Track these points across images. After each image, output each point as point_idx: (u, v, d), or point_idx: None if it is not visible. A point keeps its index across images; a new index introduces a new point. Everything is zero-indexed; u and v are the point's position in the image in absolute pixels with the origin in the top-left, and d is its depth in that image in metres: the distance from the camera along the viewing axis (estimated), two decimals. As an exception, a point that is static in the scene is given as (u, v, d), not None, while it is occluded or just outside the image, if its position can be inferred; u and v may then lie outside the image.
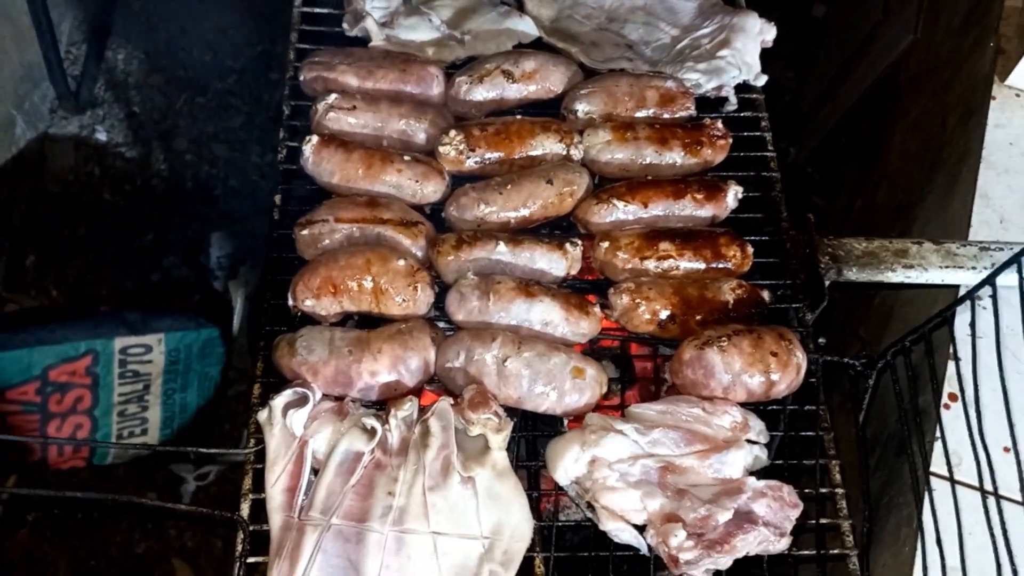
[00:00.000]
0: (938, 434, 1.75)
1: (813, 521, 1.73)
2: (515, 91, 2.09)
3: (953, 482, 1.63)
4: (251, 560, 1.63)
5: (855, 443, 1.88)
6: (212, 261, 3.37)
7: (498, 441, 1.65)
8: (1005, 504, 1.60)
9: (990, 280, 1.63)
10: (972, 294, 1.67)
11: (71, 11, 3.86)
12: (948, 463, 1.68)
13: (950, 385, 1.83)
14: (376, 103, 2.00)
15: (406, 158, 1.93)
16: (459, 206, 1.91)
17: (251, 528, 1.65)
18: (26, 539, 2.91)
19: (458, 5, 2.27)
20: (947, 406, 1.84)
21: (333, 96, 1.98)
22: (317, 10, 2.29)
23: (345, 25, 2.20)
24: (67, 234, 3.40)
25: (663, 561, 1.62)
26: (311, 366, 1.69)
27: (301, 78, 2.08)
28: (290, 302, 1.79)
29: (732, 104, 2.21)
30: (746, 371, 1.73)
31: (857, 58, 3.61)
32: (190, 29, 3.94)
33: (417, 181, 1.92)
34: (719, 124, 2.07)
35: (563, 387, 1.71)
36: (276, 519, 1.61)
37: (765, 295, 1.87)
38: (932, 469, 1.70)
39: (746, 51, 2.22)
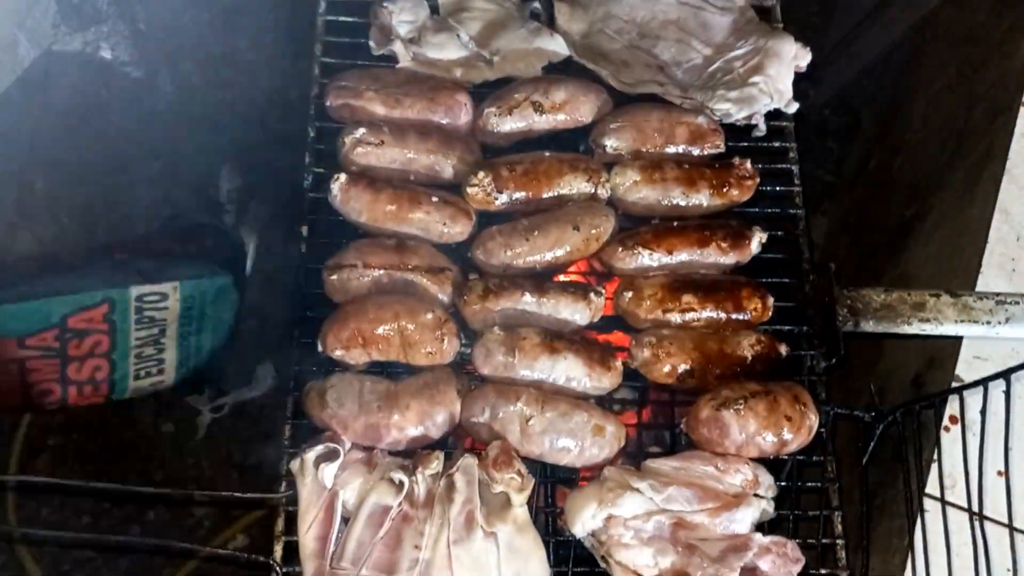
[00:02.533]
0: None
1: (813, 572, 1.83)
2: (544, 121, 2.07)
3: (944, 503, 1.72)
4: (284, 602, 1.73)
5: (858, 482, 1.96)
6: (222, 195, 3.36)
7: (520, 499, 1.73)
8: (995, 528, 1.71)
9: (1006, 375, 1.68)
10: (987, 381, 1.72)
11: None
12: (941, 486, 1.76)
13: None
14: (404, 137, 1.98)
15: (434, 199, 1.93)
16: (486, 251, 1.93)
17: (284, 570, 1.75)
18: (48, 464, 3.05)
19: (487, 18, 2.21)
20: (947, 428, 1.91)
21: (361, 131, 1.96)
22: (342, 18, 2.23)
23: (372, 43, 2.14)
24: (76, 158, 3.38)
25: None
26: (341, 420, 1.75)
27: (327, 103, 2.06)
28: (319, 349, 1.84)
29: (761, 131, 2.18)
30: (760, 433, 1.80)
31: (884, 6, 3.47)
32: None
33: (445, 224, 1.94)
34: (747, 165, 2.06)
35: (584, 444, 1.78)
36: (309, 567, 1.71)
37: (782, 350, 1.91)
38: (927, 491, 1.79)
39: (779, 78, 2.18)
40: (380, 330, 1.80)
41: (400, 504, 1.73)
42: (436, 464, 1.74)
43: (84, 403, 2.99)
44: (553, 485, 1.91)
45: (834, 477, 1.92)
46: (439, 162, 1.99)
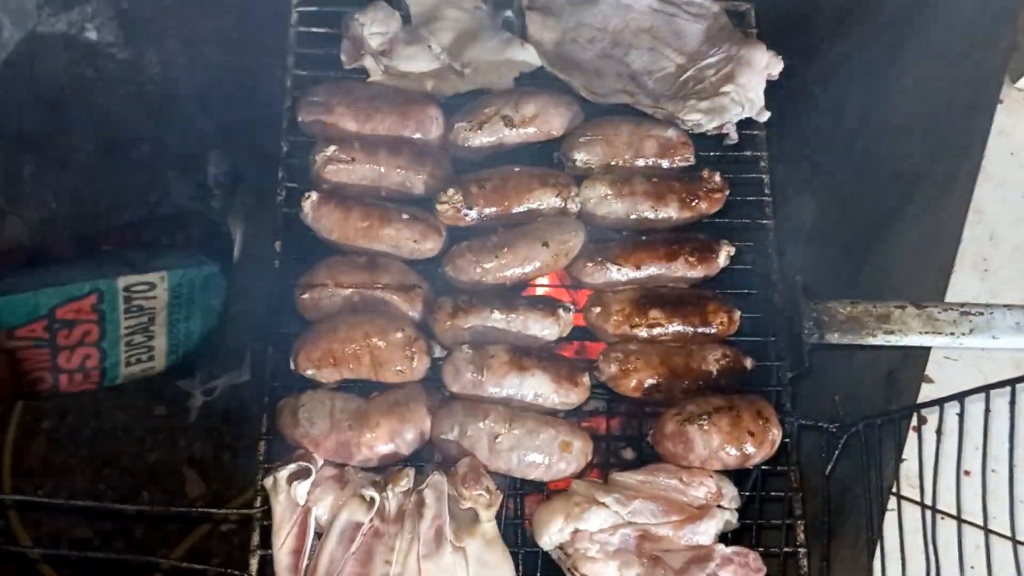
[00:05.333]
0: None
1: (776, 578, 1.89)
2: (515, 135, 2.09)
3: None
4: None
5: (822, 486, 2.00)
6: (210, 179, 3.36)
7: (488, 515, 1.78)
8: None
9: (959, 397, 1.72)
10: (942, 402, 1.77)
11: None
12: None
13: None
14: (375, 153, 2.00)
15: (404, 216, 1.96)
16: (456, 267, 1.96)
17: (260, 583, 1.80)
18: (43, 446, 3.10)
19: (459, 28, 2.21)
20: (915, 428, 1.95)
21: (331, 148, 1.98)
22: (314, 29, 2.23)
23: (344, 57, 2.15)
24: (63, 141, 3.35)
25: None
26: (313, 438, 1.80)
27: (299, 119, 2.07)
28: (291, 366, 1.87)
29: (733, 139, 2.19)
30: (724, 447, 1.84)
31: None
32: None
33: (415, 240, 1.96)
34: (716, 177, 2.08)
35: (551, 459, 1.82)
36: (283, 582, 1.77)
37: (748, 364, 1.95)
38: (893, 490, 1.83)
39: (750, 87, 2.19)
40: (350, 350, 1.83)
41: (371, 520, 1.78)
42: (406, 481, 1.79)
43: (76, 390, 3.04)
44: (522, 497, 1.95)
45: (797, 487, 1.97)
46: (410, 178, 2.01)
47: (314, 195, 1.94)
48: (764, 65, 2.22)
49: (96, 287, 2.77)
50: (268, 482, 1.80)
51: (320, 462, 1.81)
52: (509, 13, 2.29)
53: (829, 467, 1.98)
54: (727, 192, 2.09)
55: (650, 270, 1.99)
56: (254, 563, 1.82)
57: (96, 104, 3.40)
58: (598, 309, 1.96)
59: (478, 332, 1.91)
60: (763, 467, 1.93)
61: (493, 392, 1.85)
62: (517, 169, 2.04)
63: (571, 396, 1.88)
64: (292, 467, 1.79)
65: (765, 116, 2.24)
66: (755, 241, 2.16)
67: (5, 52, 3.37)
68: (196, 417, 3.18)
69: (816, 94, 3.62)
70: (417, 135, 2.06)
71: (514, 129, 2.07)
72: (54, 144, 3.31)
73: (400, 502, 1.79)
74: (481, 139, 2.07)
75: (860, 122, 3.34)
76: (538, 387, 1.85)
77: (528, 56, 2.20)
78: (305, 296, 1.90)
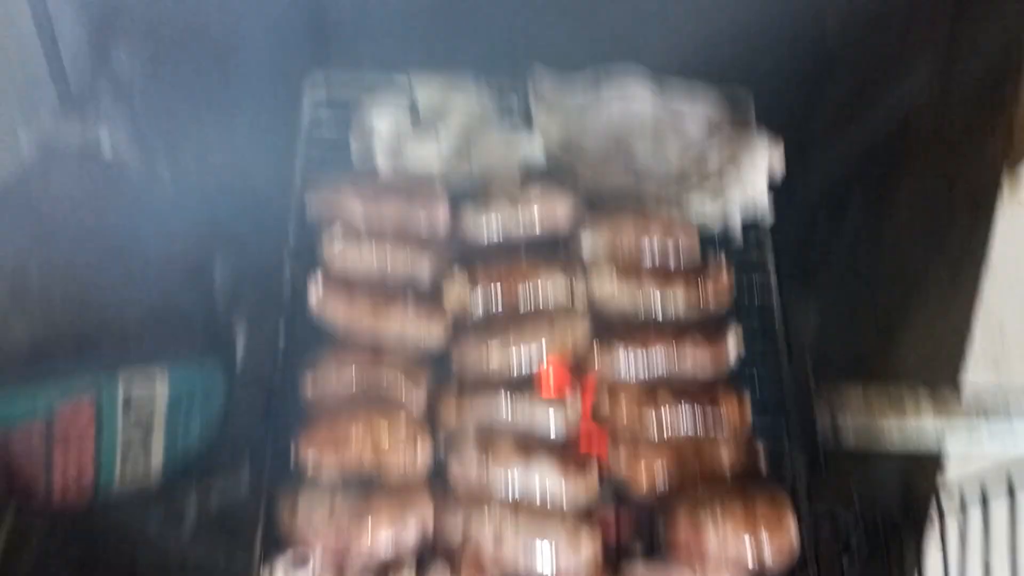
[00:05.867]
0: None
1: None
2: (520, 225, 2.10)
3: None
4: None
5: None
6: (216, 284, 3.36)
7: (493, 612, 1.69)
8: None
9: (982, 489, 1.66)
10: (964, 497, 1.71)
11: (76, 17, 3.73)
12: None
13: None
14: (382, 241, 2.01)
15: (409, 302, 1.94)
16: (460, 353, 1.93)
17: None
18: (32, 559, 2.97)
19: (466, 121, 2.26)
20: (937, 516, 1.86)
21: (339, 234, 1.99)
22: (325, 135, 2.28)
23: (352, 146, 2.19)
24: (72, 249, 3.40)
25: None
26: (312, 530, 1.72)
27: (307, 206, 2.09)
28: (292, 456, 1.82)
29: (738, 240, 2.20)
30: (738, 539, 1.77)
31: (866, 102, 3.53)
32: (197, 27, 3.83)
33: (420, 327, 1.94)
34: (723, 269, 2.08)
35: (558, 553, 1.75)
36: None
37: (762, 462, 1.90)
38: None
39: (753, 183, 2.22)
40: (352, 436, 1.78)
41: (370, 619, 1.69)
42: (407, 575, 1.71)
43: (68, 501, 2.95)
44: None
45: (818, 585, 1.88)
46: (417, 265, 2.01)
47: (320, 279, 1.94)
48: (766, 164, 2.26)
49: (96, 385, 2.73)
50: (263, 575, 1.72)
51: (318, 556, 1.73)
52: (516, 102, 2.34)
53: (844, 561, 1.90)
54: (733, 284, 2.09)
55: (658, 357, 1.96)
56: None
57: (107, 214, 3.46)
58: (606, 399, 1.92)
59: (483, 419, 1.86)
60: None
61: (498, 481, 1.79)
62: (523, 257, 2.04)
63: (580, 485, 1.82)
64: (288, 558, 1.71)
65: (769, 216, 2.25)
66: (764, 341, 2.13)
67: (20, 164, 3.44)
68: (192, 522, 3.09)
69: (816, 201, 3.70)
70: (424, 223, 2.07)
71: (520, 219, 2.08)
72: (63, 252, 3.33)
73: (401, 600, 1.71)
74: (487, 228, 2.08)
75: (861, 226, 3.39)
76: (545, 475, 1.80)
77: (534, 150, 2.24)
78: (308, 382, 1.86)
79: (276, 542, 1.76)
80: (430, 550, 1.78)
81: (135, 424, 2.80)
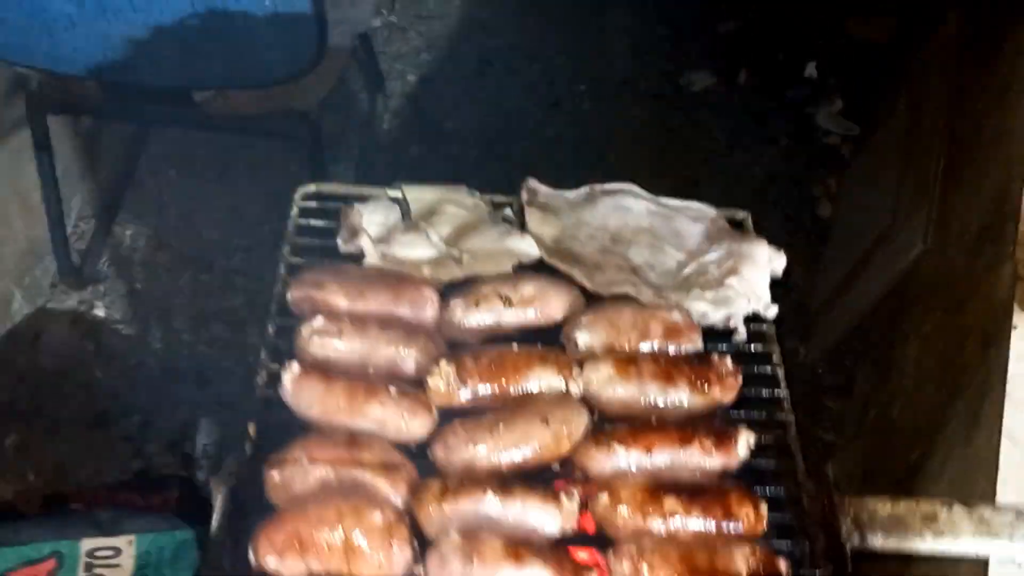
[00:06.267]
0: None
1: None
2: (513, 316, 1.99)
3: None
4: None
5: None
6: (198, 449, 3.21)
7: None
8: None
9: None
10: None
11: (83, 186, 3.89)
12: None
13: None
14: (364, 328, 1.89)
15: (392, 391, 1.79)
16: (447, 447, 1.76)
17: None
18: None
19: (458, 223, 2.21)
20: None
21: (318, 320, 1.87)
22: (313, 222, 2.22)
23: (340, 241, 2.12)
24: (53, 413, 3.29)
25: None
26: (266, 643, 1.48)
27: (288, 296, 1.98)
28: (251, 559, 1.60)
29: (741, 335, 2.09)
30: (762, 660, 1.52)
31: (865, 263, 3.57)
32: (201, 208, 3.95)
33: (402, 417, 1.78)
34: (728, 361, 1.95)
35: (554, 675, 1.50)
36: None
37: (782, 567, 1.68)
38: None
39: (755, 281, 2.14)
40: (321, 534, 1.58)
41: None
42: None
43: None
44: None
45: None
46: (400, 354, 1.88)
47: (295, 366, 1.80)
48: (767, 260, 2.19)
49: (57, 550, 2.55)
50: None
51: (272, 673, 1.48)
52: (508, 212, 2.30)
53: None
54: (740, 379, 1.95)
55: (663, 455, 1.78)
56: None
57: (93, 376, 3.42)
58: (606, 497, 1.72)
59: (469, 520, 1.66)
60: None
61: (485, 588, 1.56)
62: (515, 347, 1.91)
63: (577, 597, 1.59)
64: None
65: (773, 311, 2.16)
66: (775, 438, 1.97)
67: (11, 323, 3.42)
68: None
69: (821, 373, 3.63)
70: (410, 314, 1.96)
71: (512, 309, 1.98)
72: (44, 415, 3.29)
73: None
74: (478, 319, 1.97)
75: (870, 390, 3.30)
76: (538, 582, 1.57)
77: (527, 246, 2.16)
78: (274, 474, 1.68)
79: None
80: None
81: None
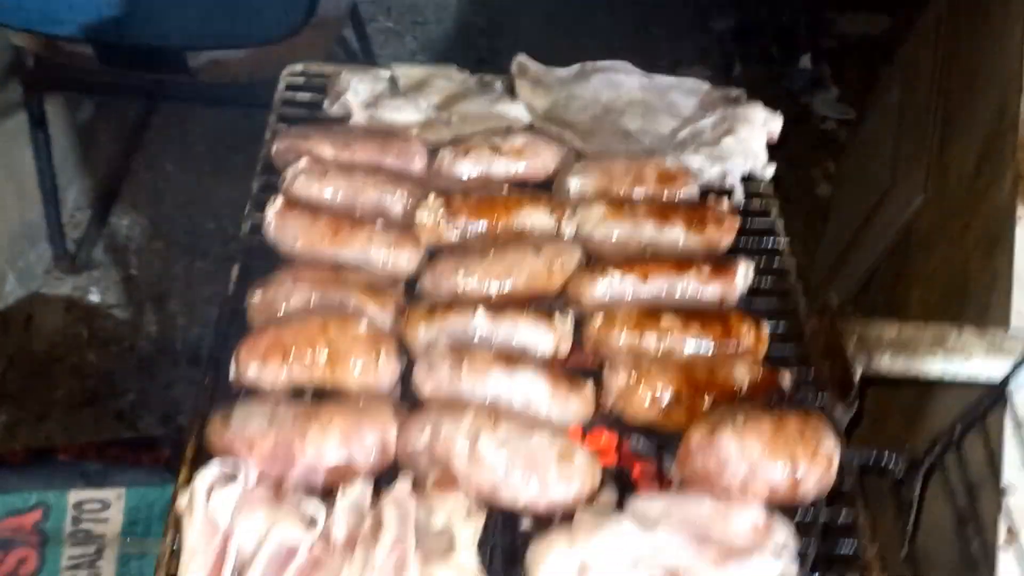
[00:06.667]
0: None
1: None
2: (503, 167, 1.94)
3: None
4: None
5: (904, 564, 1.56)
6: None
7: (467, 536, 1.34)
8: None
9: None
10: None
11: (80, 178, 3.93)
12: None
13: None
14: (351, 171, 1.84)
15: (378, 223, 1.74)
16: (435, 274, 1.70)
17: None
18: None
19: (448, 93, 2.17)
20: None
21: (303, 161, 1.82)
22: (299, 95, 2.19)
23: (326, 104, 2.09)
24: (45, 395, 3.27)
25: None
26: (246, 439, 1.42)
27: (273, 150, 1.94)
28: (231, 373, 1.54)
29: (739, 196, 2.04)
30: (767, 459, 1.44)
31: (866, 228, 3.53)
32: (198, 200, 3.96)
33: (389, 249, 1.72)
34: (725, 203, 1.89)
35: (547, 474, 1.42)
36: (183, 628, 1.29)
37: (786, 380, 1.61)
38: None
39: (751, 139, 2.09)
40: (304, 340, 1.51)
41: (311, 547, 1.34)
42: (360, 489, 1.38)
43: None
44: (512, 547, 1.49)
45: (871, 537, 1.52)
46: (387, 197, 1.83)
47: (279, 200, 1.75)
48: (762, 121, 2.15)
49: (43, 500, 2.47)
50: (182, 500, 1.39)
51: (253, 474, 1.41)
52: (499, 85, 2.26)
53: (910, 523, 1.55)
54: (738, 220, 1.89)
55: (659, 283, 1.72)
56: (149, 619, 1.35)
57: (87, 361, 3.39)
58: (601, 319, 1.66)
59: (458, 337, 1.59)
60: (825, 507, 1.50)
61: (474, 391, 1.49)
62: (506, 188, 1.86)
63: (571, 404, 1.52)
64: (214, 470, 1.39)
65: (770, 171, 2.11)
66: (775, 281, 1.91)
67: (4, 305, 3.41)
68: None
69: None
70: (398, 164, 1.91)
71: (502, 159, 1.93)
72: (35, 397, 3.26)
73: (351, 525, 1.36)
74: (467, 169, 1.92)
75: None
76: (529, 387, 1.50)
77: (518, 111, 2.13)
78: (257, 293, 1.62)
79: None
80: (390, 473, 1.45)
81: (84, 540, 2.51)
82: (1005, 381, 1.58)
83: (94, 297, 3.58)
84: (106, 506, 2.46)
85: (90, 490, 2.45)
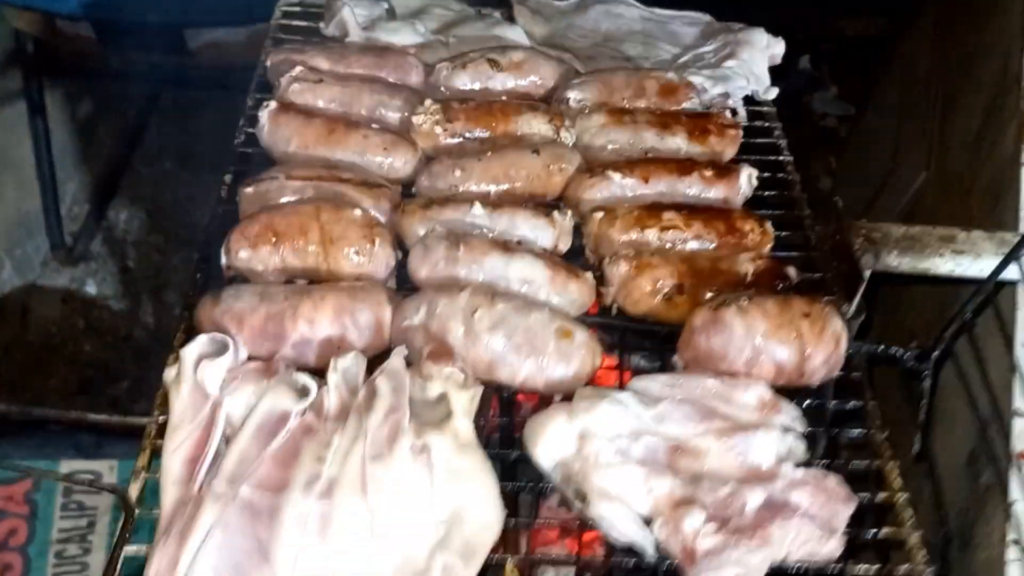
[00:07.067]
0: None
1: (873, 530, 1.32)
2: (501, 81, 1.91)
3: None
4: (133, 548, 1.23)
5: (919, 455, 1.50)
6: None
7: (463, 403, 1.30)
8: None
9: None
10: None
11: (79, 172, 3.94)
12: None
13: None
14: (346, 79, 1.81)
15: (374, 125, 1.71)
16: (431, 174, 1.67)
17: (138, 512, 1.27)
18: None
19: (446, 20, 2.15)
20: None
21: (298, 68, 1.80)
22: (295, 23, 2.18)
23: (322, 24, 2.07)
24: (39, 383, 3.25)
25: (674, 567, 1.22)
26: (236, 314, 1.38)
27: (267, 63, 1.91)
28: (222, 260, 1.50)
29: (741, 117, 2.01)
30: (773, 337, 1.40)
31: (870, 212, 3.51)
32: (195, 195, 3.97)
33: (385, 149, 1.69)
34: (727, 114, 1.87)
35: (545, 351, 1.38)
36: (170, 494, 1.25)
37: (791, 270, 1.57)
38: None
39: (753, 62, 2.07)
40: (296, 224, 1.48)
41: (303, 413, 1.29)
42: (352, 359, 1.33)
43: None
44: (511, 425, 1.45)
45: (881, 423, 1.47)
46: (383, 104, 1.79)
47: (273, 104, 1.72)
48: (764, 44, 2.13)
49: (34, 469, 2.44)
50: (170, 372, 1.35)
51: (243, 350, 1.37)
52: (497, 15, 2.24)
53: (923, 413, 1.50)
54: (740, 130, 1.86)
55: (660, 185, 1.69)
56: (135, 488, 1.30)
57: (82, 351, 3.38)
58: (601, 214, 1.62)
59: (455, 226, 1.56)
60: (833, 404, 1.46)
61: (470, 274, 1.46)
62: (504, 96, 1.84)
63: (570, 290, 1.48)
64: (203, 341, 1.35)
65: (773, 93, 2.08)
66: (777, 191, 1.88)
67: (0, 293, 3.41)
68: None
69: None
70: (395, 77, 1.89)
71: (501, 74, 1.90)
72: (30, 386, 3.25)
73: (343, 396, 1.32)
74: (465, 81, 1.89)
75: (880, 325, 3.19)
76: (527, 271, 1.46)
77: (517, 35, 2.11)
78: (249, 190, 1.58)
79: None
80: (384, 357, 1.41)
81: (76, 513, 2.47)
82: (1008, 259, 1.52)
83: (91, 288, 3.58)
84: (99, 477, 2.42)
85: (82, 460, 2.42)
